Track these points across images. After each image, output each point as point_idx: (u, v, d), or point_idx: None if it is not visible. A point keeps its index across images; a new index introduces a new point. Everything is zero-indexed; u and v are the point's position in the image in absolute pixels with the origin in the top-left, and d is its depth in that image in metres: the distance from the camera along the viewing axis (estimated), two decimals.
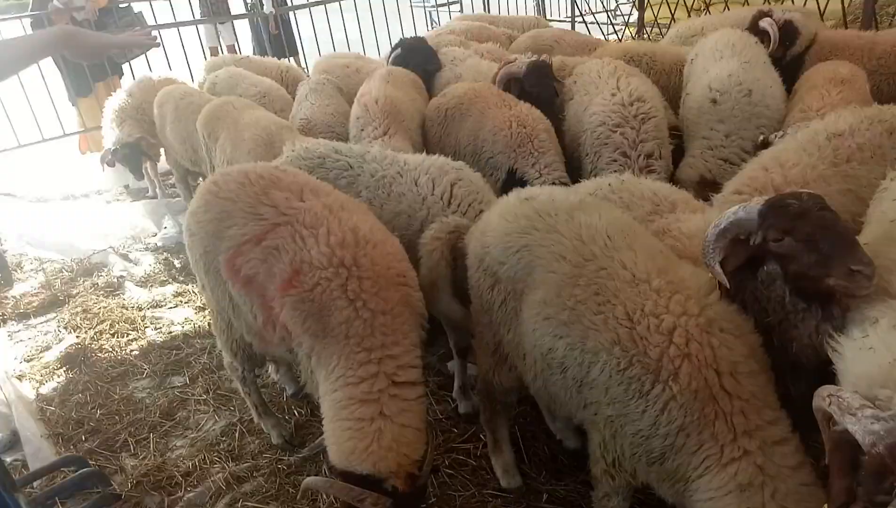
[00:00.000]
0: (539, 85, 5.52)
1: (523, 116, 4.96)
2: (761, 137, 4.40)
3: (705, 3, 9.01)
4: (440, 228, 3.59)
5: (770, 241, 2.51)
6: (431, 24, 14.33)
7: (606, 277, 2.67)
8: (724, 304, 2.60)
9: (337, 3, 10.81)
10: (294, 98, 6.80)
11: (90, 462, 4.09)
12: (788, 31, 5.90)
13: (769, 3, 8.20)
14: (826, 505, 2.15)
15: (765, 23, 5.85)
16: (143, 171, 8.17)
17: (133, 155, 7.64)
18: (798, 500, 2.26)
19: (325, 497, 3.67)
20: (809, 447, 2.44)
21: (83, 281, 6.57)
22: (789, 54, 5.95)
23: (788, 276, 2.50)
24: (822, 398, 2.02)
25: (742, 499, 2.29)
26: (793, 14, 6.06)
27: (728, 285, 2.56)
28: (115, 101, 7.97)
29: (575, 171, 5.08)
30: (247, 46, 11.99)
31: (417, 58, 6.59)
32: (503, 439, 3.66)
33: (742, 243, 2.58)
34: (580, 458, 3.70)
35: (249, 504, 3.73)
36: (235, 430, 4.31)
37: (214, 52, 11.78)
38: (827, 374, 2.43)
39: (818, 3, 7.69)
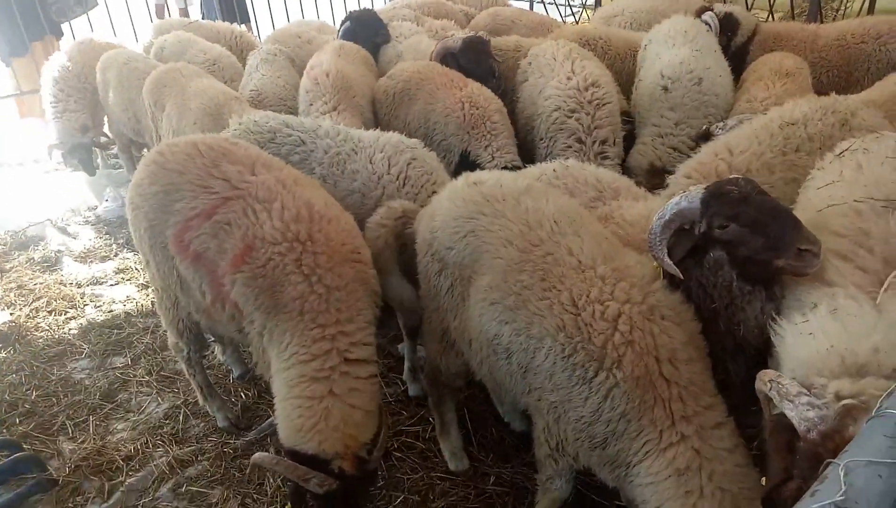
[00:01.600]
0: (475, 62, 5.49)
1: (475, 96, 4.91)
2: (704, 127, 4.49)
3: None
4: (386, 213, 3.56)
5: (715, 228, 2.57)
6: None
7: (553, 262, 2.70)
8: (666, 292, 2.65)
9: None
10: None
11: (25, 446, 3.95)
12: (729, 22, 6.13)
13: None
14: (763, 482, 2.26)
15: (706, 16, 6.03)
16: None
17: (86, 155, 7.14)
18: (734, 481, 2.36)
19: (272, 480, 3.65)
20: (745, 429, 2.55)
21: (18, 255, 6.27)
22: (733, 45, 6.15)
23: (735, 261, 2.57)
24: (764, 382, 2.10)
25: (680, 483, 2.37)
26: (733, 7, 6.23)
27: (680, 276, 2.61)
28: (54, 68, 7.33)
29: (527, 153, 5.09)
30: (197, 11, 11.49)
31: (367, 30, 6.46)
32: (451, 422, 3.69)
33: (687, 233, 2.64)
34: (527, 441, 3.76)
35: (194, 488, 3.67)
36: (179, 413, 4.22)
37: (160, 11, 11.25)
38: (765, 358, 2.53)
39: None
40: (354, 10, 6.92)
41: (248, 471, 3.74)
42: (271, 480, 3.63)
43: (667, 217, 2.63)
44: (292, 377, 2.91)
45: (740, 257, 2.55)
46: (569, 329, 2.54)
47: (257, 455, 2.90)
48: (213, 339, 4.37)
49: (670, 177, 3.83)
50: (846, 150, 3.02)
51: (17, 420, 4.22)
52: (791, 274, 2.50)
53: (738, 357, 2.87)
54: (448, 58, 5.58)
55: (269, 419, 4.09)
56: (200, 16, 10.87)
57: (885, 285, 2.28)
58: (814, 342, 2.18)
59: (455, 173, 4.07)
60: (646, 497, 2.46)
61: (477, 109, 4.86)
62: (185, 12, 11.23)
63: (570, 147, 4.71)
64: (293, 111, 5.47)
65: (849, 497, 1.13)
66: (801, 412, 1.93)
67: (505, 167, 4.62)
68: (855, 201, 2.62)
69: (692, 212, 2.60)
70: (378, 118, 5.43)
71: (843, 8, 8.19)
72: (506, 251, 2.81)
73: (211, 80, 5.99)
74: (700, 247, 2.65)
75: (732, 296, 2.63)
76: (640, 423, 2.44)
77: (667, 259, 2.62)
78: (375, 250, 3.48)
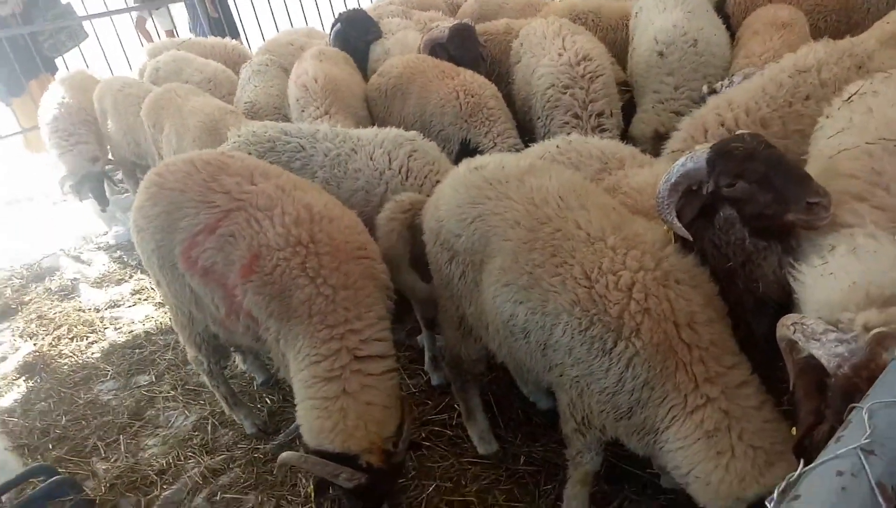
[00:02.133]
0: (462, 48, 5.47)
1: (469, 84, 4.89)
2: (705, 88, 4.43)
3: None
4: (394, 207, 3.55)
5: (722, 187, 2.53)
6: None
7: (562, 238, 2.67)
8: (679, 256, 2.62)
9: None
10: None
11: (60, 469, 3.99)
12: None
13: None
14: (794, 431, 2.23)
15: None
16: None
17: (98, 184, 7.10)
18: (764, 437, 2.33)
19: (304, 480, 3.66)
20: (771, 387, 2.51)
21: (35, 287, 6.37)
22: None
23: (746, 218, 2.53)
24: (787, 326, 2.05)
25: (710, 444, 2.34)
26: None
27: (690, 237, 2.58)
28: (53, 105, 7.23)
29: (527, 134, 5.06)
30: (185, 33, 11.54)
31: (358, 29, 6.44)
32: (476, 407, 3.68)
33: (695, 194, 2.60)
34: (554, 418, 3.74)
35: (228, 495, 3.70)
36: (207, 423, 4.26)
37: (142, 23, 11.27)
38: (787, 312, 2.49)
39: None
40: (344, 12, 6.90)
41: (279, 474, 3.76)
42: (304, 481, 3.65)
43: (673, 180, 2.59)
44: (306, 378, 2.93)
45: (750, 214, 2.52)
46: (584, 303, 2.52)
47: (285, 454, 2.92)
48: (233, 349, 4.39)
49: (666, 143, 3.79)
50: (854, 94, 2.94)
51: (50, 446, 4.28)
52: (802, 228, 2.46)
53: (759, 314, 2.83)
54: (437, 49, 5.56)
55: (296, 422, 4.11)
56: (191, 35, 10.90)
57: None
58: (835, 282, 2.13)
59: (456, 163, 4.07)
60: (678, 462, 2.44)
61: (472, 96, 4.83)
62: (171, 34, 11.25)
63: (568, 123, 4.67)
64: (288, 120, 5.47)
65: (874, 441, 1.10)
66: (829, 349, 1.88)
67: (509, 151, 4.60)
68: (867, 143, 2.57)
69: (698, 172, 2.56)
70: (373, 117, 5.42)
71: None
72: (514, 232, 2.80)
73: (206, 97, 6.02)
74: (709, 207, 2.61)
75: (747, 253, 2.60)
76: (664, 389, 2.42)
77: (676, 222, 2.59)
78: (389, 244, 3.47)
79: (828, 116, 3.03)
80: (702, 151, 2.60)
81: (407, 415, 3.04)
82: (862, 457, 1.08)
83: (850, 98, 2.95)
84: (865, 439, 1.11)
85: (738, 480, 2.29)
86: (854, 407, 1.25)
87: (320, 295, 2.97)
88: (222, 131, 5.10)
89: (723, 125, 3.54)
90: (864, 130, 2.66)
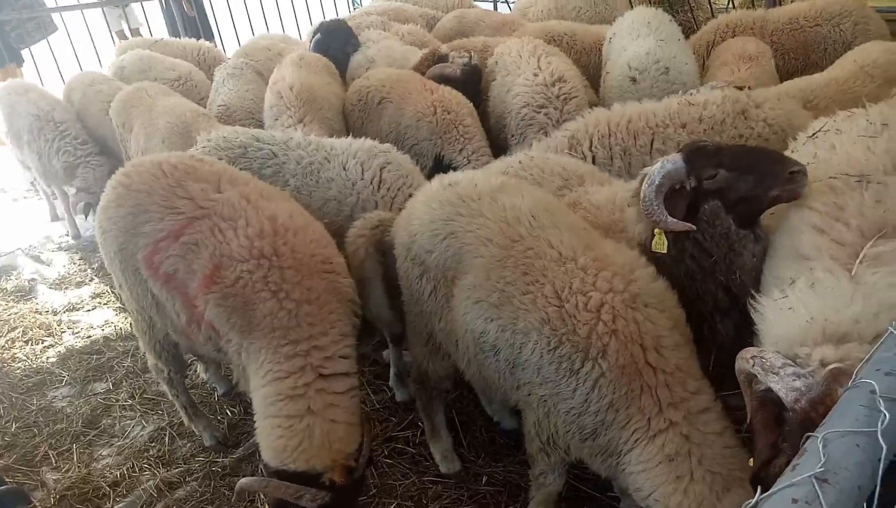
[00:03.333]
0: (474, 91, 5.45)
1: (446, 100, 4.91)
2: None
3: None
4: (363, 224, 3.53)
5: (704, 180, 2.67)
6: (353, 4, 14.01)
7: (534, 256, 2.70)
8: (648, 279, 2.67)
9: None
10: None
11: (6, 479, 3.85)
12: None
13: None
14: (751, 463, 2.27)
15: None
16: None
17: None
18: (724, 463, 2.37)
19: (261, 496, 3.60)
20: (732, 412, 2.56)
21: None
22: None
23: (730, 206, 2.66)
24: (745, 359, 2.09)
25: (671, 468, 2.38)
26: None
27: (693, 227, 2.69)
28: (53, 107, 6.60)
29: (501, 152, 5.09)
30: (159, 31, 11.36)
31: (338, 40, 6.44)
32: (440, 424, 3.68)
33: (678, 193, 2.72)
34: (517, 439, 3.76)
35: None
36: (165, 434, 4.16)
37: (122, 36, 11.12)
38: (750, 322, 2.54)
39: None
40: (324, 22, 6.89)
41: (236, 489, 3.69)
42: (261, 496, 3.58)
43: (657, 182, 2.68)
44: (269, 395, 2.87)
45: (734, 200, 2.65)
46: (553, 322, 2.55)
47: (244, 480, 2.86)
48: (193, 358, 4.31)
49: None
50: (819, 131, 3.04)
51: None
52: (787, 200, 2.60)
53: (730, 314, 2.92)
54: (445, 83, 5.41)
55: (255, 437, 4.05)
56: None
57: (860, 257, 2.30)
58: (794, 316, 2.19)
59: (429, 178, 4.08)
60: (639, 484, 2.46)
61: (448, 113, 4.86)
62: (137, 33, 11.05)
63: (540, 141, 4.72)
64: (262, 125, 5.42)
65: (828, 469, 1.13)
66: (787, 383, 1.92)
67: None
68: (829, 177, 2.65)
69: (678, 172, 2.68)
70: (349, 125, 5.41)
71: None
72: (486, 250, 2.81)
73: (177, 98, 5.94)
74: (692, 204, 2.72)
75: (730, 242, 2.72)
76: (629, 412, 2.44)
77: (671, 219, 2.68)
78: (357, 261, 3.45)
79: (793, 151, 3.11)
80: (675, 155, 2.75)
81: (366, 430, 3.01)
82: (816, 485, 1.11)
83: (814, 135, 3.05)
84: (820, 467, 1.14)
85: (696, 504, 2.32)
86: (810, 436, 1.29)
87: (283, 310, 2.92)
88: (193, 135, 5.03)
89: (608, 126, 4.03)
90: (828, 166, 2.74)
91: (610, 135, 4.02)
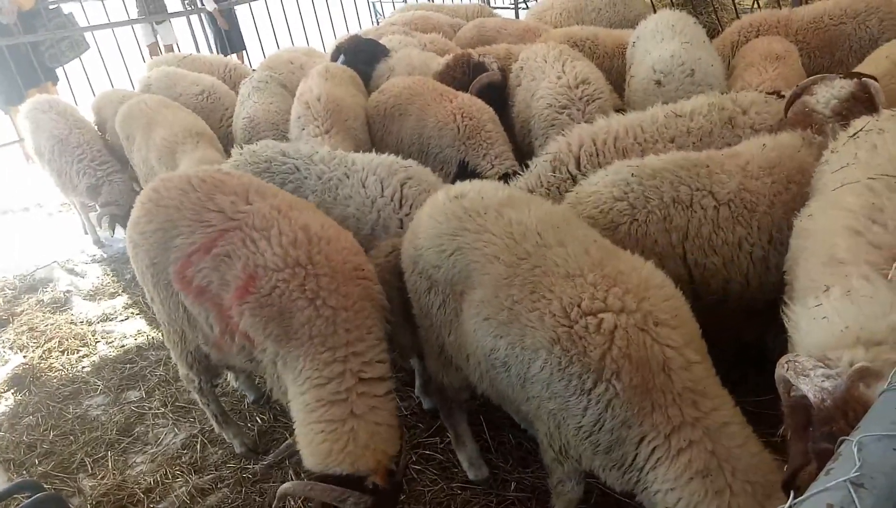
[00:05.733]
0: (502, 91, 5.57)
1: (467, 107, 4.93)
2: None
3: None
4: (377, 253, 3.55)
5: None
6: (376, 16, 14.16)
7: (541, 274, 2.68)
8: (663, 294, 2.61)
9: None
10: None
11: (45, 485, 3.95)
12: None
13: None
14: (786, 470, 2.23)
15: None
16: None
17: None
18: (757, 471, 2.34)
19: (292, 502, 3.63)
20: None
21: (27, 298, 6.31)
22: None
23: None
24: (781, 365, 2.08)
25: (706, 483, 2.32)
26: None
27: None
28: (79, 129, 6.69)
29: (526, 157, 5.09)
30: (187, 46, 11.61)
31: (364, 55, 6.46)
32: (465, 433, 3.66)
33: None
34: None
35: None
36: (197, 442, 4.22)
37: (154, 50, 11.40)
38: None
39: None
40: (343, 42, 6.83)
41: (268, 496, 3.73)
42: (292, 502, 3.62)
43: None
44: (309, 401, 2.90)
45: None
46: (563, 342, 2.51)
47: (286, 485, 2.85)
48: (224, 367, 4.37)
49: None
50: (860, 130, 2.97)
51: (37, 461, 4.23)
52: None
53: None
54: (487, 90, 5.48)
55: (287, 442, 4.07)
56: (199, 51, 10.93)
57: None
58: (829, 326, 2.15)
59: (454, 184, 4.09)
60: (670, 503, 2.40)
61: (471, 119, 4.88)
62: (170, 49, 11.33)
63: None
64: (287, 136, 5.50)
65: (864, 473, 1.10)
66: (816, 384, 1.90)
67: (506, 173, 4.64)
68: (869, 178, 2.60)
69: None
70: (371, 135, 5.45)
71: None
72: (493, 267, 2.79)
73: (177, 112, 6.01)
74: None
75: None
76: (641, 429, 2.41)
77: None
78: None
79: (833, 151, 3.06)
80: None
81: (404, 434, 3.02)
82: (851, 490, 1.08)
83: (855, 134, 2.98)
84: (855, 472, 1.12)
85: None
86: (844, 440, 1.26)
87: (320, 317, 2.96)
88: (178, 156, 5.19)
89: (594, 144, 3.98)
90: (868, 166, 2.68)
91: (598, 154, 3.96)
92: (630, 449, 2.46)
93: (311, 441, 2.85)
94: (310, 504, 3.00)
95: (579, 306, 2.53)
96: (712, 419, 2.39)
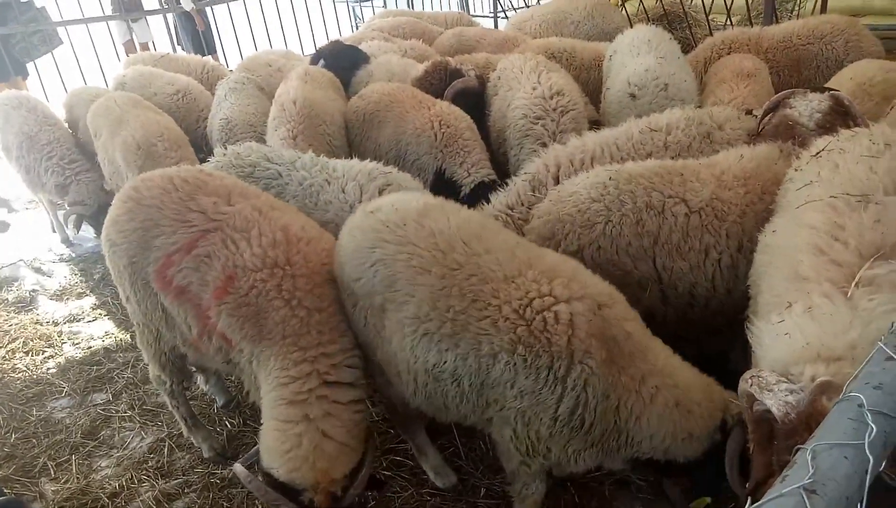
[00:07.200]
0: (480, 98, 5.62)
1: (445, 115, 4.97)
2: None
3: None
4: None
5: None
6: (355, 20, 14.17)
7: (479, 282, 2.70)
8: (594, 279, 2.84)
9: None
10: None
11: (6, 490, 3.86)
12: None
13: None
14: (749, 482, 2.29)
15: None
16: None
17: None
18: (700, 391, 2.74)
19: (260, 507, 3.61)
20: None
21: None
22: None
23: None
24: (746, 380, 2.16)
25: (680, 413, 2.67)
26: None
27: None
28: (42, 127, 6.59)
29: (501, 166, 5.15)
30: (163, 45, 11.49)
31: (345, 60, 6.46)
32: (424, 443, 3.66)
33: None
34: None
35: None
36: (164, 446, 4.17)
37: (129, 48, 11.26)
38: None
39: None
40: (324, 47, 6.82)
41: (236, 501, 3.70)
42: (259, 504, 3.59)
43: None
44: (273, 399, 2.91)
45: None
46: (525, 340, 2.58)
47: (237, 465, 2.86)
48: (195, 369, 4.32)
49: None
50: (822, 150, 3.06)
51: None
52: None
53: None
54: (462, 95, 5.51)
55: (256, 447, 4.03)
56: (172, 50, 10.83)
57: (856, 279, 2.30)
58: (790, 342, 2.22)
59: (430, 191, 4.12)
60: (656, 444, 2.70)
61: (448, 127, 4.92)
62: (146, 47, 11.20)
63: (536, 151, 4.76)
64: (263, 138, 5.47)
65: (816, 481, 1.16)
66: (779, 398, 1.98)
67: (482, 182, 4.69)
68: (831, 197, 2.67)
69: None
70: (350, 139, 5.45)
71: (796, 9, 8.41)
72: (425, 279, 2.76)
73: (145, 112, 5.95)
74: None
75: None
76: (617, 393, 2.62)
77: None
78: None
79: (797, 169, 3.14)
80: None
81: (368, 459, 2.92)
82: (805, 497, 1.14)
83: (818, 153, 3.07)
84: (808, 479, 1.17)
85: (708, 417, 2.69)
86: (799, 448, 1.32)
87: (295, 317, 2.97)
88: (140, 163, 5.21)
89: (572, 164, 4.02)
90: (830, 185, 2.77)
91: (576, 174, 3.96)
92: (611, 417, 2.65)
93: (265, 438, 2.87)
94: None
95: (530, 305, 2.62)
96: (661, 363, 2.71)
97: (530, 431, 2.73)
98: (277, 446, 2.79)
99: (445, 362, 2.74)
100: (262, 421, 2.98)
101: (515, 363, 2.60)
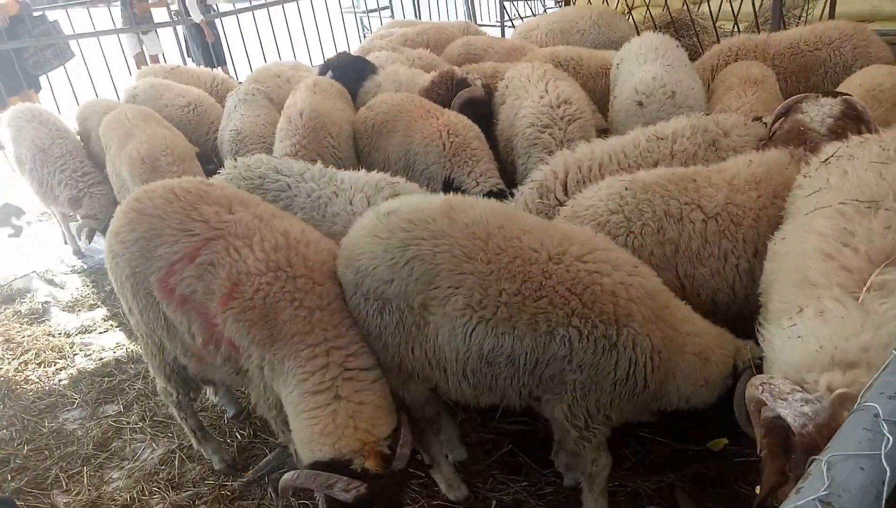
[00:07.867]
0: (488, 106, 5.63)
1: (453, 124, 4.97)
2: None
3: (628, 5, 9.27)
4: None
5: None
6: (363, 30, 14.25)
7: (524, 264, 2.78)
8: (618, 247, 3.06)
9: (265, 11, 10.61)
10: None
11: (18, 502, 3.88)
12: None
13: (686, 6, 8.55)
14: (758, 490, 2.27)
15: None
16: None
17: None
18: (714, 339, 2.96)
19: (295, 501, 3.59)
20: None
21: (4, 309, 6.23)
22: None
23: None
24: (755, 386, 2.13)
25: (700, 361, 2.88)
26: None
27: None
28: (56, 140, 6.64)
29: (509, 175, 5.15)
30: (173, 57, 11.60)
31: (353, 72, 6.49)
32: (438, 454, 3.64)
33: None
34: (526, 464, 3.76)
35: None
36: (175, 457, 4.18)
37: (140, 60, 11.38)
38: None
39: (731, 6, 8.04)
40: (332, 59, 6.85)
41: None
42: (295, 502, 3.58)
43: None
44: (297, 397, 2.92)
45: None
46: (579, 311, 2.72)
47: (283, 477, 2.76)
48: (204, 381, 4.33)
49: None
50: (832, 156, 3.04)
51: (9, 477, 4.16)
52: None
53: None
54: (470, 104, 5.51)
55: (266, 458, 4.06)
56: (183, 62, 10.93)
57: (867, 285, 2.30)
58: (803, 345, 2.20)
59: None
60: (692, 387, 2.90)
61: (457, 136, 4.92)
62: (156, 59, 11.32)
63: (544, 160, 4.75)
64: (272, 149, 5.50)
65: (832, 492, 1.15)
66: (795, 409, 1.95)
67: (490, 191, 4.68)
68: (840, 203, 2.66)
69: None
70: (358, 150, 5.47)
71: (804, 15, 8.39)
72: (471, 266, 2.81)
73: (153, 126, 5.99)
74: None
75: None
76: (657, 347, 2.78)
77: None
78: None
79: (806, 176, 3.13)
80: None
81: (404, 422, 2.90)
82: None
83: (827, 160, 3.05)
84: (824, 490, 1.16)
85: (721, 363, 2.90)
86: (814, 459, 1.30)
87: (297, 317, 3.00)
88: (144, 177, 5.22)
89: (580, 171, 4.03)
90: (839, 191, 2.75)
91: (584, 180, 3.99)
92: (663, 372, 2.83)
93: (300, 434, 2.85)
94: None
95: (576, 277, 2.76)
96: (683, 315, 2.93)
97: (589, 402, 2.85)
98: (314, 430, 2.78)
99: (503, 345, 2.81)
100: (291, 425, 2.95)
101: (570, 337, 2.72)
